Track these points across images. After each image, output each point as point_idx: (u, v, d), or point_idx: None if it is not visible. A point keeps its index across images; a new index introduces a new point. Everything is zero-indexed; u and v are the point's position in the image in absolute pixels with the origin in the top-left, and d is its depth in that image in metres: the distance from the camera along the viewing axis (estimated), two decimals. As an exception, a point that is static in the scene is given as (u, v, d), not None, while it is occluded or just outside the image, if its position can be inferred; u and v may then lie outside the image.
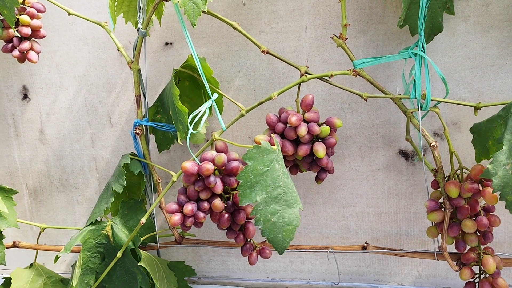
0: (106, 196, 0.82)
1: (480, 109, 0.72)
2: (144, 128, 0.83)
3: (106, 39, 0.94)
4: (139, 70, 0.79)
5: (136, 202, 0.87)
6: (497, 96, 0.81)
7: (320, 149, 0.74)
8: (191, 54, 0.74)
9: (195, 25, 0.62)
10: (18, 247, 0.95)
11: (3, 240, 0.86)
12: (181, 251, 1.02)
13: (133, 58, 0.79)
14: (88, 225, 0.83)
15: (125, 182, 0.80)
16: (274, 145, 0.67)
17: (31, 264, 0.93)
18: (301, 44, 0.86)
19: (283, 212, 0.64)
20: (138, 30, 0.76)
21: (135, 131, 0.82)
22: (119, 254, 0.80)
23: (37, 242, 0.95)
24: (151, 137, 0.90)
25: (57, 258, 0.84)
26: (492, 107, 0.74)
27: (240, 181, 0.63)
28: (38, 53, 0.84)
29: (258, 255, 0.80)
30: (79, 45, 0.95)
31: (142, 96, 0.82)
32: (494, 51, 0.80)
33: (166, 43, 0.91)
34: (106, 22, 0.82)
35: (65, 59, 0.96)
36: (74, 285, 0.80)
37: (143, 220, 0.77)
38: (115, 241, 0.83)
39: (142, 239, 0.86)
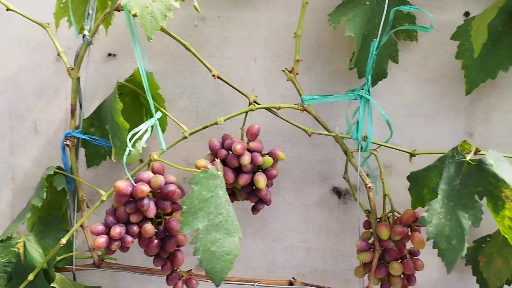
0: (24, 212, 0.75)
1: (415, 156, 0.75)
2: (76, 140, 0.78)
3: (42, 40, 0.87)
4: (78, 79, 0.74)
5: (54, 219, 0.81)
6: (426, 145, 0.85)
7: (261, 180, 0.73)
8: (138, 68, 0.71)
9: (151, 39, 0.60)
10: None
11: None
12: (96, 275, 0.95)
13: (74, 65, 0.74)
14: (-2, 242, 0.75)
15: (45, 195, 0.74)
16: (219, 171, 0.65)
17: None
18: (249, 73, 0.86)
19: (223, 241, 0.62)
20: (83, 37, 0.72)
21: (65, 142, 0.76)
22: (30, 277, 0.73)
23: None
24: (81, 151, 0.84)
25: None
26: (424, 156, 0.78)
27: (184, 207, 0.59)
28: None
29: (184, 285, 0.76)
30: (11, 44, 0.88)
31: (78, 106, 0.76)
32: (428, 103, 0.85)
33: (109, 54, 0.87)
34: (49, 24, 0.76)
35: (-8, 57, 0.89)
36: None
37: (64, 240, 0.71)
38: (26, 260, 0.76)
39: (58, 258, 0.79)
